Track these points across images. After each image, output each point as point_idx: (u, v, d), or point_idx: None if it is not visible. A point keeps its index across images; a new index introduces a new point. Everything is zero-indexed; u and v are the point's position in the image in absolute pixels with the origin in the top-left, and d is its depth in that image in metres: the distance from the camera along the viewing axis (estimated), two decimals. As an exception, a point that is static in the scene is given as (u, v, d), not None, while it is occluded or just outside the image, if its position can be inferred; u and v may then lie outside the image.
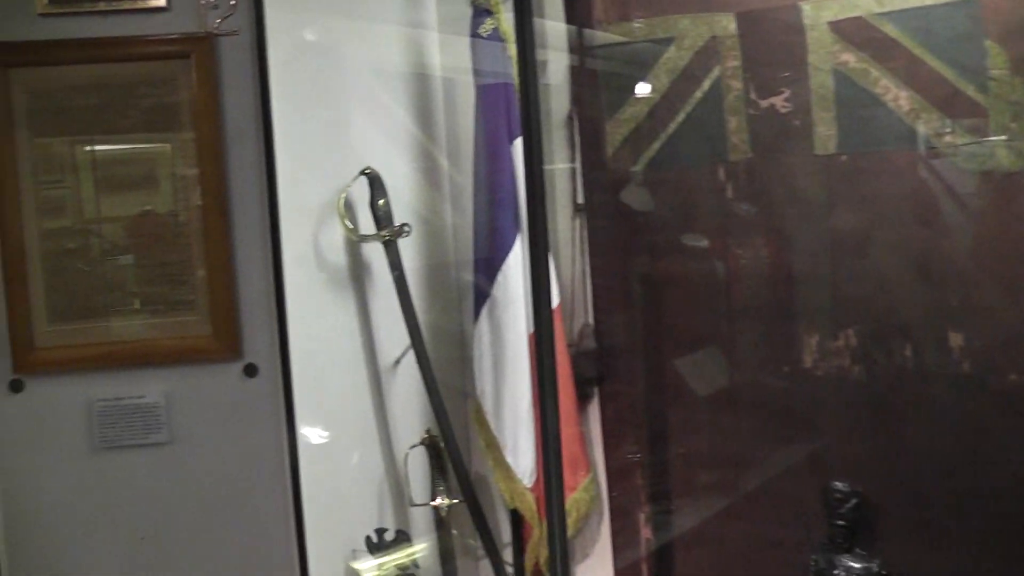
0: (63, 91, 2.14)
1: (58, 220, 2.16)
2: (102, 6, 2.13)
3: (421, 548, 2.25)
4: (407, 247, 2.22)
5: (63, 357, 2.18)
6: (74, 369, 2.17)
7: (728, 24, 2.02)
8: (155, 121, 2.15)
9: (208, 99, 2.13)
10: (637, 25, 2.17)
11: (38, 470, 2.18)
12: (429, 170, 2.36)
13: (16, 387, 2.17)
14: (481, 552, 2.30)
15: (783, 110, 1.95)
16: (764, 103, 1.97)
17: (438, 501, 2.23)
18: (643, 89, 2.14)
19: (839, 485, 1.85)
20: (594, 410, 2.26)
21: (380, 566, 2.18)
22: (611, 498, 2.26)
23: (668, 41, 2.08)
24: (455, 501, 2.22)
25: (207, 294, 2.15)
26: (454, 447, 2.21)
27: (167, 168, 2.19)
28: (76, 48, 2.13)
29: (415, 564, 2.22)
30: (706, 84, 2.05)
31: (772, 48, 1.94)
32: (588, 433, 2.26)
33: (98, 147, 2.16)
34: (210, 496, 2.19)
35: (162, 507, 2.18)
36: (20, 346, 2.16)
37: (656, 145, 2.15)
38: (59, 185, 2.16)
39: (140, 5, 2.13)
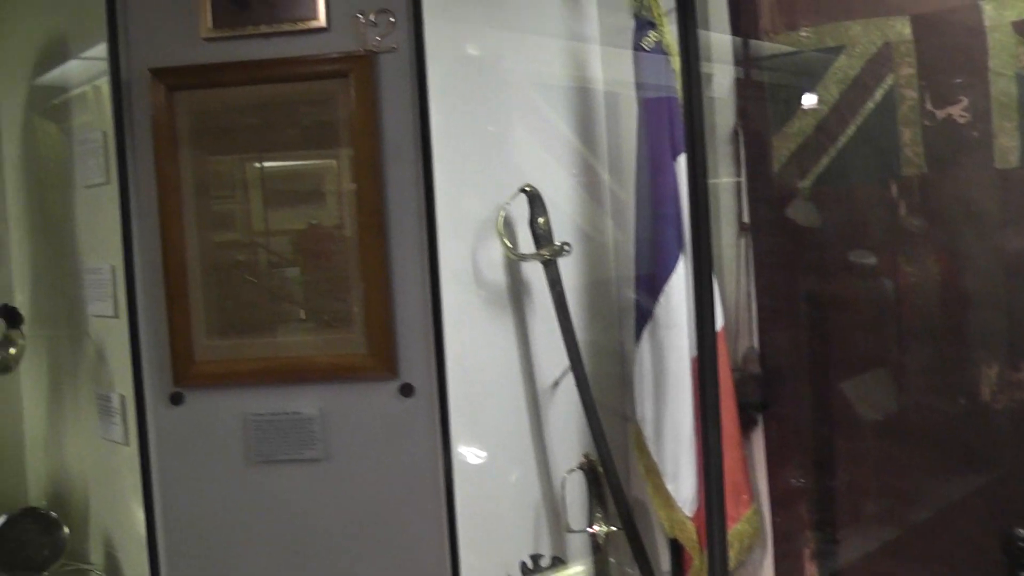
0: (225, 112, 2.74)
1: (226, 234, 2.75)
2: (264, 28, 2.73)
3: (576, 574, 3.15)
4: (567, 263, 2.67)
5: (221, 371, 2.80)
6: (231, 383, 2.77)
7: (903, 28, 2.35)
8: (315, 139, 2.78)
9: (367, 116, 2.70)
10: (805, 34, 2.58)
11: (196, 481, 2.75)
12: (590, 185, 2.90)
13: (176, 400, 2.97)
14: (636, 583, 2.76)
15: (961, 120, 2.27)
16: (940, 113, 2.30)
17: (595, 528, 2.72)
18: (811, 101, 2.58)
19: (1024, 533, 1.96)
20: (757, 437, 2.74)
21: (533, 592, 3.02)
22: (774, 530, 2.67)
23: (838, 49, 2.50)
24: (613, 528, 2.71)
25: (364, 312, 2.73)
26: (613, 472, 2.72)
27: (333, 183, 2.84)
28: (239, 70, 2.73)
29: (568, 593, 3.02)
30: (878, 94, 2.43)
31: (950, 53, 2.24)
32: (751, 461, 2.74)
33: (266, 163, 2.84)
34: (363, 514, 2.72)
35: (315, 522, 2.73)
36: (180, 360, 2.82)
37: (825, 160, 2.59)
38: (228, 200, 3.03)
39: (301, 26, 2.75)
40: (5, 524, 2.98)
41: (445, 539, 2.71)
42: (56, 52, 3.09)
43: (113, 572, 3.08)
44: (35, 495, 3.41)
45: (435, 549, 2.73)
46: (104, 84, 2.80)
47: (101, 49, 2.77)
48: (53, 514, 3.00)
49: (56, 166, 3.10)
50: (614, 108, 2.76)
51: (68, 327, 3.12)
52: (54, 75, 3.12)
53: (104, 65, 2.78)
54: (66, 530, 3.04)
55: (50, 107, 3.20)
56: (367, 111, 2.71)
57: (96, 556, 3.19)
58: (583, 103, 2.82)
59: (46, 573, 2.98)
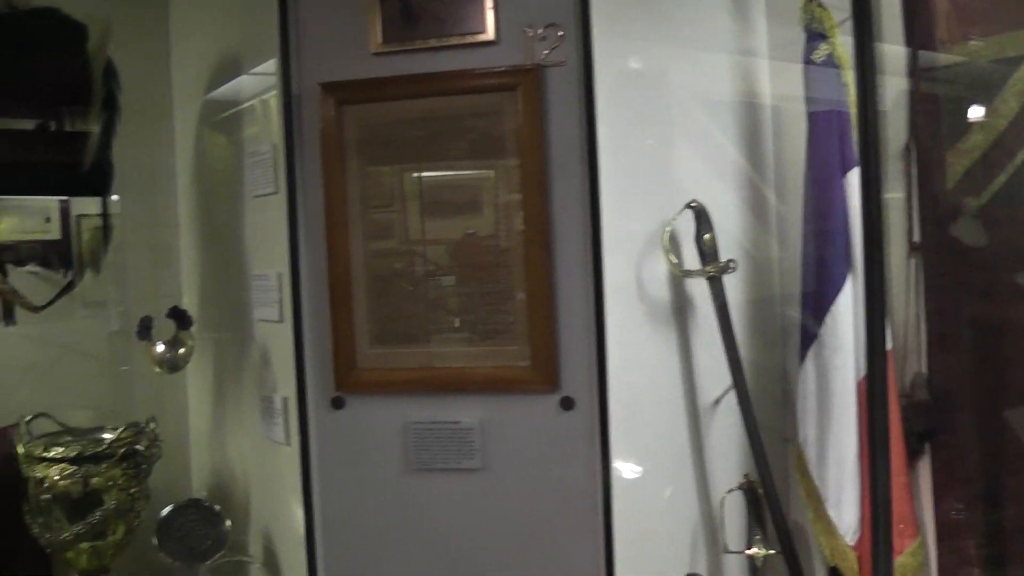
0: (392, 125, 2.82)
1: (385, 242, 2.86)
2: (433, 43, 2.83)
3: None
4: (730, 279, 2.64)
5: (382, 378, 2.87)
6: (392, 390, 2.83)
7: (1088, 38, 2.11)
8: (480, 151, 2.95)
9: (534, 129, 2.75)
10: (983, 44, 2.51)
11: (354, 484, 2.83)
12: (754, 202, 2.91)
13: (338, 404, 3.09)
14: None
15: None
16: None
17: (754, 550, 2.73)
18: (989, 115, 2.52)
19: None
20: (923, 466, 2.63)
21: (688, 612, 2.99)
22: (940, 565, 2.57)
23: (1019, 60, 2.42)
24: (772, 552, 2.72)
25: (527, 324, 2.77)
26: (773, 495, 2.68)
27: (491, 194, 2.94)
28: (407, 84, 2.78)
29: (723, 615, 3.00)
30: (1062, 108, 2.17)
31: None
32: (916, 491, 2.63)
33: (425, 174, 3.01)
34: (519, 526, 2.75)
35: (471, 532, 2.77)
36: (343, 365, 2.95)
37: (1002, 177, 2.49)
38: (387, 210, 3.18)
39: (469, 40, 2.83)
40: (171, 513, 3.06)
41: (601, 555, 2.72)
42: (229, 68, 3.23)
43: (271, 566, 3.19)
44: (198, 488, 3.58)
45: (590, 564, 2.74)
46: (272, 98, 2.90)
47: (271, 65, 2.90)
48: (216, 507, 3.05)
49: (224, 176, 3.20)
50: (781, 123, 2.77)
51: (234, 330, 3.22)
52: (225, 90, 3.27)
53: (272, 80, 2.91)
54: (228, 523, 3.09)
55: (220, 120, 3.35)
56: (534, 124, 2.74)
57: (255, 550, 3.33)
58: (750, 118, 2.81)
59: (208, 563, 3.01)
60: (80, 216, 3.44)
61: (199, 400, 3.62)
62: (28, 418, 3.09)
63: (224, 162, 3.31)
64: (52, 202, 3.43)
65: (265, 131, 3.07)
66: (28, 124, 3.18)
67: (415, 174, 2.83)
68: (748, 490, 2.71)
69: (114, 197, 3.40)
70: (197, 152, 3.53)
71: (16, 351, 3.43)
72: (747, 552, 2.71)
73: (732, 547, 2.70)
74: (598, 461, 2.71)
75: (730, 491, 2.73)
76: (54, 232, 3.44)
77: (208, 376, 3.47)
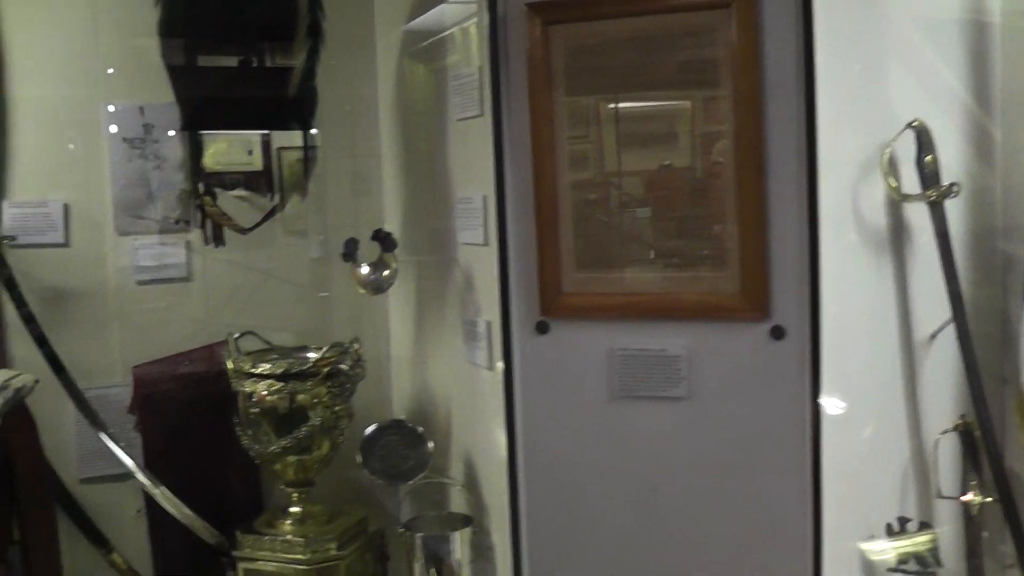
0: (600, 46, 2.90)
1: (581, 173, 3.05)
2: None
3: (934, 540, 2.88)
4: (948, 209, 2.71)
5: (587, 304, 3.01)
6: (597, 316, 2.99)
7: None
8: (688, 75, 2.92)
9: (748, 50, 2.77)
10: None
11: (557, 409, 3.01)
12: (975, 128, 2.85)
13: (542, 329, 3.24)
14: (1010, 560, 2.81)
15: None
16: None
17: (969, 496, 2.75)
18: None
19: None
20: None
21: (896, 550, 3.10)
22: None
23: None
24: (988, 499, 2.73)
25: (737, 250, 2.85)
26: (991, 438, 2.68)
27: (687, 124, 3.05)
28: (616, 1, 2.91)
29: (935, 559, 2.98)
30: None
31: None
32: None
33: (621, 104, 3.03)
34: (725, 456, 2.88)
35: (675, 461, 2.92)
36: (548, 290, 3.06)
37: None
38: (583, 140, 3.14)
39: None
40: (375, 432, 3.33)
41: (808, 491, 2.78)
42: (428, -1, 3.26)
43: (472, 489, 3.45)
44: (397, 410, 3.90)
45: (796, 500, 2.82)
46: (472, 26, 3.13)
47: (474, -11, 2.87)
48: (419, 429, 3.28)
49: (426, 102, 3.42)
50: (1012, 43, 2.76)
51: (436, 254, 3.46)
52: (426, 18, 3.52)
53: (472, 8, 3.09)
54: (431, 445, 3.30)
55: (421, 48, 3.61)
56: (748, 44, 2.79)
57: (454, 472, 3.60)
58: (976, 37, 2.80)
59: (411, 483, 3.26)
60: (280, 148, 3.77)
61: (400, 323, 3.93)
62: (236, 335, 3.40)
63: (426, 88, 3.54)
64: (254, 135, 3.78)
65: (464, 58, 3.30)
66: (232, 61, 3.46)
67: (611, 104, 2.98)
68: (964, 432, 2.73)
69: (313, 131, 3.67)
70: (398, 80, 3.78)
71: (224, 272, 3.86)
72: (961, 498, 2.74)
73: (945, 492, 2.73)
74: (808, 394, 2.76)
75: (944, 432, 2.74)
76: (256, 164, 3.80)
77: (410, 299, 3.74)
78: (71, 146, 3.77)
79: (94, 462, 3.79)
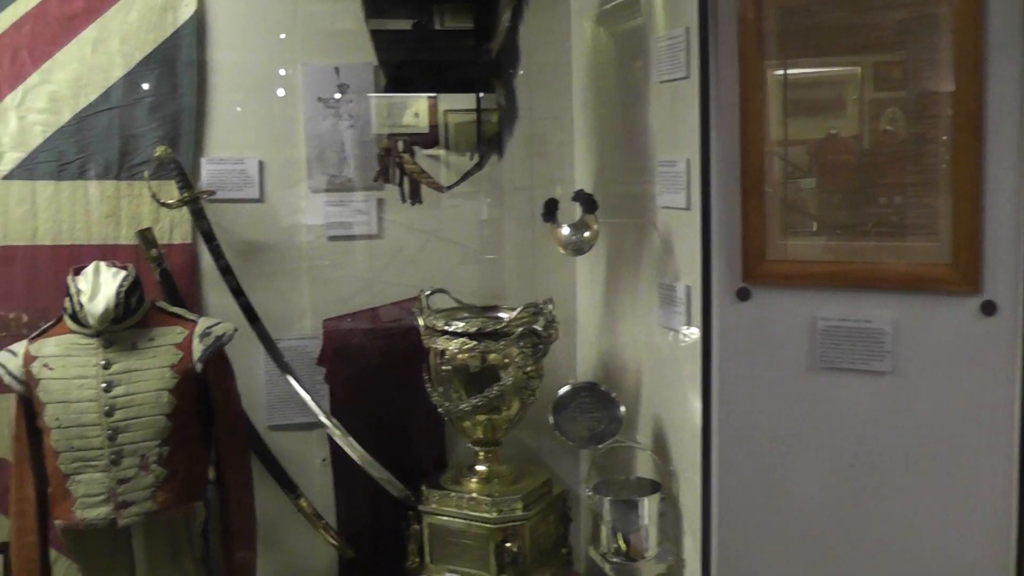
0: (814, 5, 3.11)
1: (803, 130, 3.21)
2: None
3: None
4: None
5: (791, 271, 3.18)
6: (800, 284, 3.17)
7: None
8: (905, 36, 3.08)
9: (971, 6, 2.89)
10: None
11: (755, 378, 3.22)
12: None
13: (743, 295, 3.37)
14: None
15: None
16: None
17: None
18: None
19: None
20: None
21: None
22: None
23: None
24: None
25: (949, 220, 2.95)
26: None
27: (901, 88, 3.11)
28: None
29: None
30: None
31: None
32: None
33: (790, 71, 3.17)
34: (927, 435, 3.01)
35: (875, 437, 3.08)
36: (751, 256, 3.22)
37: None
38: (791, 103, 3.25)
39: None
40: (567, 394, 3.76)
41: (1013, 476, 2.90)
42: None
43: (662, 454, 3.68)
44: (582, 372, 4.22)
45: (1000, 484, 2.94)
46: None
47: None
48: (612, 393, 3.56)
49: (625, 62, 3.71)
50: None
51: (632, 216, 3.71)
52: None
53: None
54: (623, 409, 3.62)
55: (615, 9, 3.88)
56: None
57: (643, 437, 3.87)
58: None
59: (601, 447, 3.56)
60: (447, 111, 4.09)
61: (588, 284, 4.22)
62: (428, 292, 3.74)
63: (623, 49, 3.77)
64: (420, 98, 4.16)
65: (672, 17, 3.52)
66: (434, 23, 3.87)
67: (778, 71, 3.14)
68: None
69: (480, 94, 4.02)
70: (593, 40, 4.02)
71: (413, 230, 4.28)
72: None
73: None
74: (1018, 375, 2.87)
75: None
76: (423, 125, 4.22)
77: (600, 261, 4.01)
78: (265, 107, 4.20)
79: (282, 410, 4.25)
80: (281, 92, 3.89)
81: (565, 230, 3.39)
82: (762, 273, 3.24)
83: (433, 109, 3.83)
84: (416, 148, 3.69)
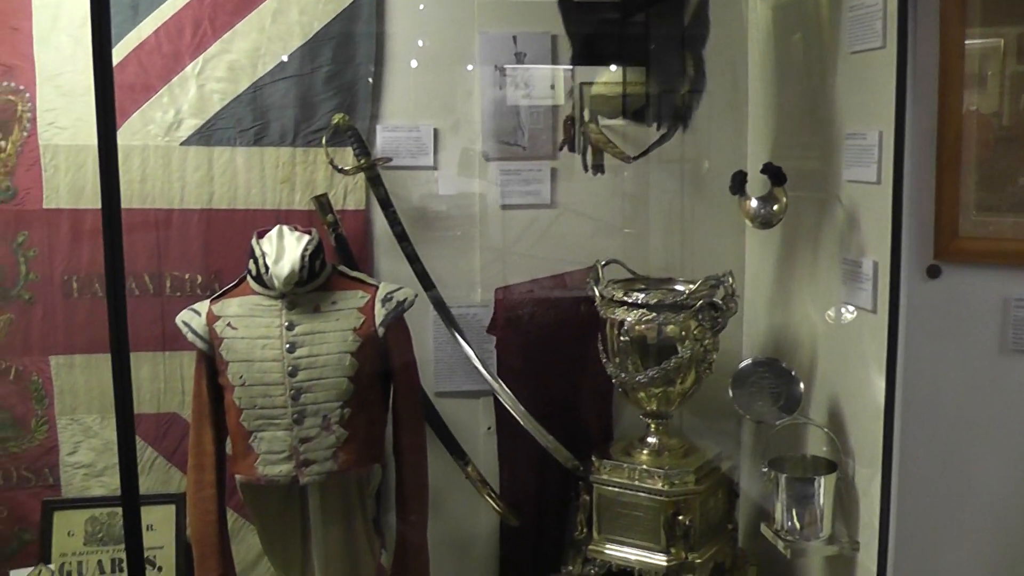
0: None
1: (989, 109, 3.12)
2: None
3: None
4: None
5: (985, 249, 3.11)
6: (994, 262, 3.11)
7: None
8: None
9: None
10: None
11: (942, 359, 3.18)
12: None
13: (933, 273, 3.32)
14: None
15: None
16: None
17: None
18: None
19: None
20: None
21: None
22: None
23: None
24: None
25: None
26: None
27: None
28: None
29: None
30: None
31: None
32: None
33: (992, 39, 3.07)
34: None
35: None
36: (943, 232, 3.16)
37: None
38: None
39: None
40: (747, 368, 3.79)
41: None
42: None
43: (840, 435, 3.66)
44: (749, 347, 4.26)
45: None
46: None
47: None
48: (793, 371, 3.51)
49: (810, 32, 3.61)
50: None
51: (813, 190, 3.71)
52: None
53: None
54: (802, 386, 3.63)
55: None
56: None
57: (816, 414, 3.84)
58: None
59: (779, 423, 3.52)
60: (583, 83, 4.05)
61: (759, 259, 4.22)
62: (603, 262, 3.71)
63: (808, 19, 3.72)
64: (559, 70, 4.21)
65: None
66: None
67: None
68: None
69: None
70: (774, 10, 4.02)
71: (587, 200, 4.35)
72: None
73: None
74: None
75: None
76: (558, 99, 4.25)
77: (774, 235, 3.98)
78: (442, 75, 4.26)
79: (450, 377, 4.31)
80: (458, 60, 3.97)
81: (753, 202, 3.37)
82: (954, 250, 3.19)
83: (617, 80, 3.77)
84: (600, 117, 3.61)
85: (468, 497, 4.19)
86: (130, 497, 2.50)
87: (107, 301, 2.33)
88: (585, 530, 3.72)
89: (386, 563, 3.75)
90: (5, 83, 3.94)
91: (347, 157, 3.79)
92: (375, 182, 3.59)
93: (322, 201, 3.55)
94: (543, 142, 3.95)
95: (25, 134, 4.00)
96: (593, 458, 3.62)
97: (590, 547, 3.75)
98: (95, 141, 3.88)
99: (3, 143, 3.93)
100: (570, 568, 3.76)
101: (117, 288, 2.34)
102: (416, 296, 3.53)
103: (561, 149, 3.84)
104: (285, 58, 3.66)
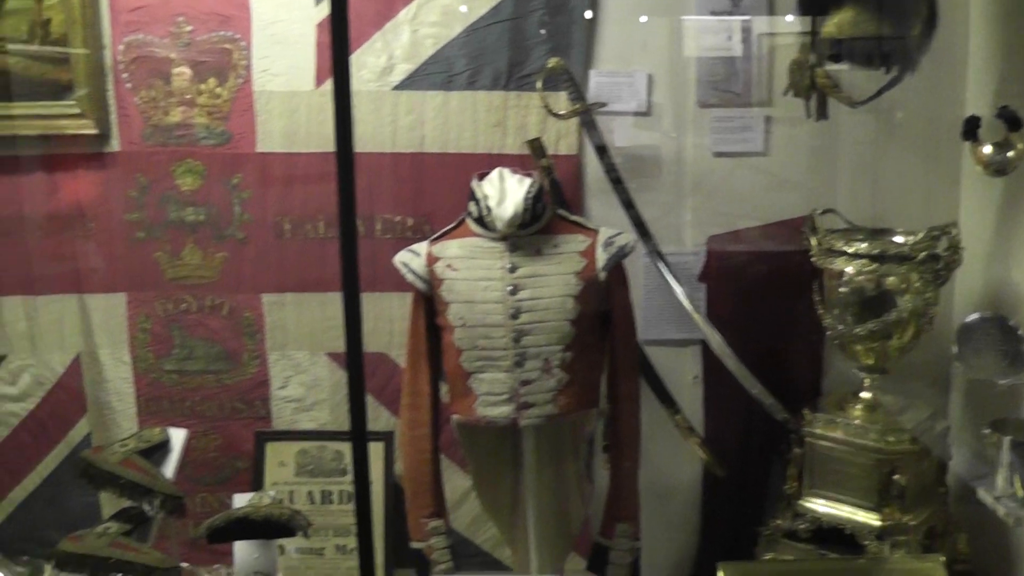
0: None
1: None
2: None
3: None
4: None
5: None
6: None
7: None
8: None
9: None
10: None
11: None
12: None
13: None
14: None
15: None
16: None
17: None
18: None
19: None
20: None
21: None
22: None
23: None
24: None
25: None
26: None
27: None
28: None
29: None
30: None
31: None
32: None
33: None
34: None
35: None
36: None
37: None
38: None
39: None
40: (973, 323, 3.76)
41: None
42: None
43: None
44: (963, 304, 4.12)
45: None
46: None
47: None
48: (1020, 329, 3.61)
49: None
50: None
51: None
52: None
53: None
54: None
55: None
56: None
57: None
58: None
59: (1004, 382, 3.65)
60: (761, 35, 4.09)
61: (978, 210, 4.10)
62: (819, 211, 3.63)
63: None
64: (734, 20, 4.15)
65: None
66: None
67: None
68: None
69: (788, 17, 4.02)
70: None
71: (800, 148, 4.31)
72: None
73: None
74: None
75: None
76: (736, 50, 4.17)
77: (996, 185, 3.86)
78: (657, 20, 4.22)
79: (658, 325, 4.35)
80: (673, 3, 4.04)
81: (987, 149, 3.25)
82: None
83: (847, 21, 3.64)
84: (826, 62, 3.50)
85: (670, 446, 4.27)
86: (359, 434, 2.53)
87: (340, 241, 2.35)
88: (795, 484, 3.63)
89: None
90: (222, 32, 3.96)
91: (560, 102, 3.80)
92: (590, 127, 3.54)
93: (536, 145, 3.53)
94: (759, 88, 3.94)
95: (240, 81, 4.08)
96: (805, 411, 3.60)
97: (800, 502, 3.66)
98: (308, 87, 3.99)
99: (219, 90, 4.02)
100: (779, 522, 3.66)
101: (349, 229, 2.37)
102: (637, 242, 3.44)
103: (785, 94, 3.74)
104: (499, 2, 3.54)
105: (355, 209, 2.41)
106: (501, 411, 3.06)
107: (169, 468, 3.71)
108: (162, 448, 3.75)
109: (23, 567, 3.32)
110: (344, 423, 3.89)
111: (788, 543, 3.77)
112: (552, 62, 3.52)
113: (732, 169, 4.24)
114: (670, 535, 4.26)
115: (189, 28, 4.15)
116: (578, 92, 3.51)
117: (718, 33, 3.96)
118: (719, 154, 4.06)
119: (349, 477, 3.66)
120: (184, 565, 3.54)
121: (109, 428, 4.32)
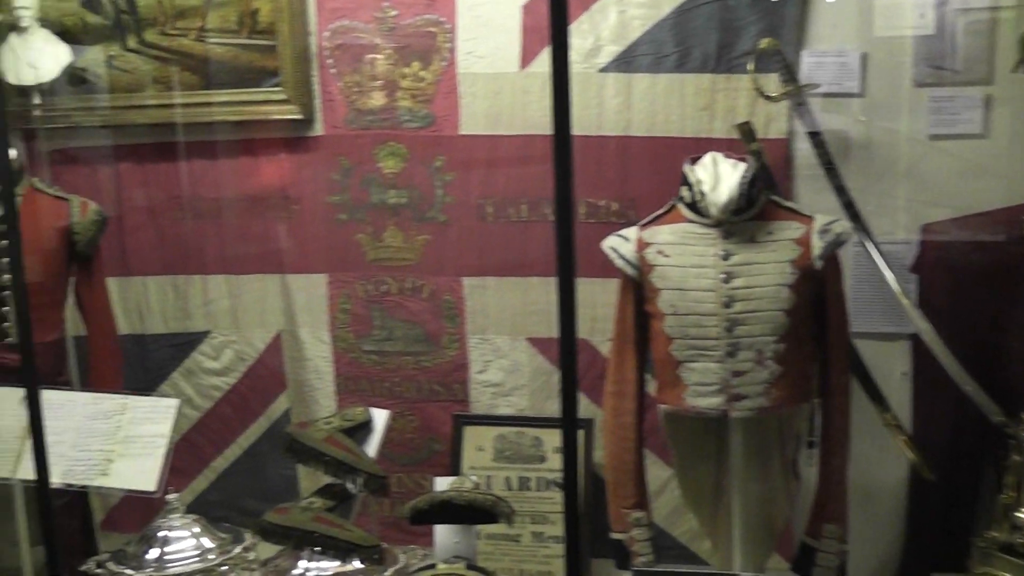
0: None
1: None
2: None
3: None
4: None
5: None
6: None
7: None
8: None
9: None
10: None
11: None
12: None
13: None
14: None
15: None
16: None
17: None
18: None
19: None
20: None
21: None
22: None
23: None
24: None
25: None
26: None
27: None
28: None
29: None
30: None
31: None
32: None
33: None
34: None
35: None
36: None
37: None
38: None
39: None
40: None
41: None
42: None
43: None
44: None
45: None
46: None
47: None
48: None
49: None
50: None
51: None
52: None
53: None
54: None
55: None
56: None
57: None
58: None
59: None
60: (957, 10, 3.85)
61: None
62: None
63: None
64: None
65: None
66: None
67: None
68: None
69: None
70: None
71: None
72: None
73: None
74: None
75: None
76: (928, 28, 3.96)
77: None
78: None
79: (867, 317, 4.12)
80: None
81: None
82: None
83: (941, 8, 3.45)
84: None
85: (874, 445, 4.10)
86: (570, 420, 2.47)
87: (556, 226, 2.28)
88: (1013, 495, 3.41)
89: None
90: (427, 16, 3.96)
91: (770, 84, 3.71)
92: (802, 110, 3.40)
93: (746, 129, 3.45)
94: (979, 65, 3.76)
95: (444, 63, 4.07)
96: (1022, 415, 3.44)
97: (1018, 513, 3.41)
98: (513, 69, 3.95)
99: (423, 73, 4.02)
100: (994, 534, 3.42)
101: (566, 214, 2.29)
102: (853, 229, 3.29)
103: (1015, 71, 3.48)
104: (709, -18, 3.53)
105: (573, 194, 2.35)
106: (711, 402, 2.98)
107: (371, 448, 3.73)
108: (364, 428, 3.75)
109: (224, 533, 3.35)
110: (543, 409, 3.86)
111: (1004, 557, 3.50)
112: (764, 42, 3.40)
113: (949, 152, 4.04)
114: (874, 539, 4.09)
115: (394, 13, 4.13)
116: (790, 73, 3.37)
117: (936, 6, 3.75)
118: (934, 136, 3.89)
119: (547, 464, 3.61)
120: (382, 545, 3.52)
121: (308, 405, 4.37)
